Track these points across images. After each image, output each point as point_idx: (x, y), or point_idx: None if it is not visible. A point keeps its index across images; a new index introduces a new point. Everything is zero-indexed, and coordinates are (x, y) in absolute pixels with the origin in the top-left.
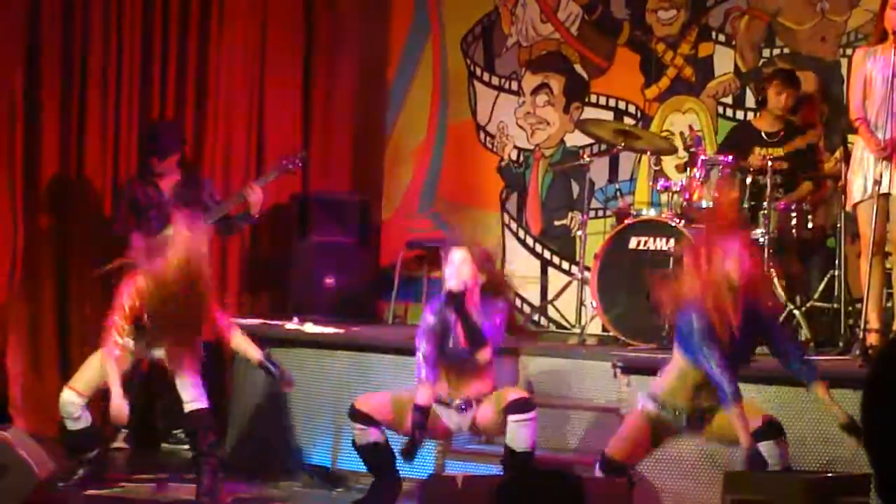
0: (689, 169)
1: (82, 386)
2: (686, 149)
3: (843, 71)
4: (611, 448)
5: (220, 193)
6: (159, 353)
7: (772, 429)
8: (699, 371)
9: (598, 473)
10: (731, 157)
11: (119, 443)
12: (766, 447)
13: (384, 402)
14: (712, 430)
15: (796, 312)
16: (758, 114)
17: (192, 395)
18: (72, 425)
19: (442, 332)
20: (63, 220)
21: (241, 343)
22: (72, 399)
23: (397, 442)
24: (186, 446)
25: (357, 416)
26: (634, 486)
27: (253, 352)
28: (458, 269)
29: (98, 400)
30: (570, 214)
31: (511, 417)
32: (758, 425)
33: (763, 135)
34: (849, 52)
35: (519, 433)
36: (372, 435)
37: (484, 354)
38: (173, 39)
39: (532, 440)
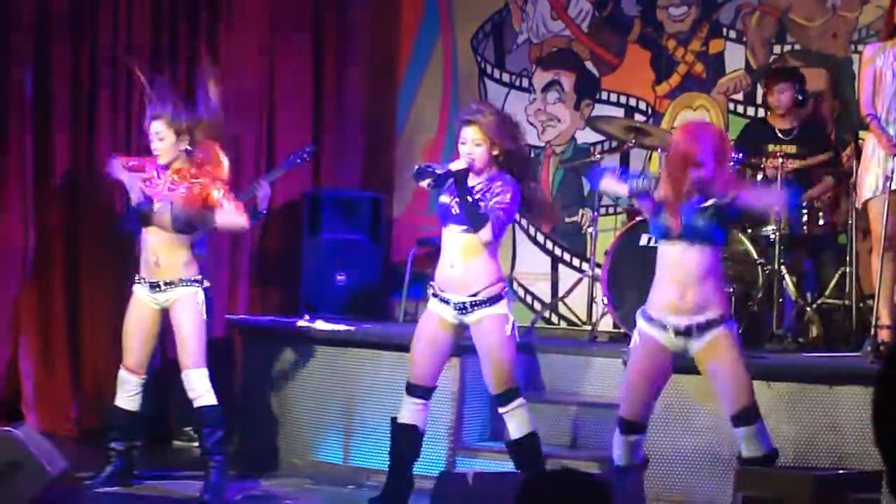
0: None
1: (133, 363)
2: None
3: (855, 67)
4: (623, 409)
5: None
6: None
7: (744, 416)
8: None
9: (617, 437)
10: (741, 154)
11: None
12: (740, 433)
13: (421, 357)
14: (702, 354)
15: (808, 309)
16: (768, 113)
17: (200, 390)
18: (123, 403)
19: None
20: (74, 218)
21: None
22: (126, 378)
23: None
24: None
25: (412, 388)
26: (648, 462)
27: (240, 221)
28: (467, 148)
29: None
30: (580, 211)
31: (499, 410)
32: (736, 409)
33: (777, 131)
34: (860, 48)
35: (511, 425)
36: (418, 418)
37: (484, 234)
38: (183, 37)
39: (526, 428)
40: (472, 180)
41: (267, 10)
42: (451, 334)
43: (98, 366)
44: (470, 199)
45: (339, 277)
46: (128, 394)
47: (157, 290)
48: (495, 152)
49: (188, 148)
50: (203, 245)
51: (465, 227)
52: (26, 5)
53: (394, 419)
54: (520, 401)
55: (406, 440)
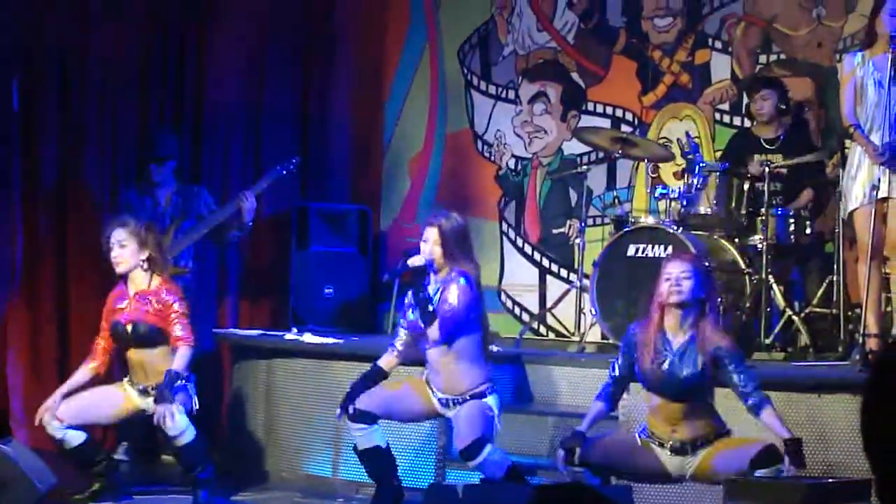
0: (686, 176)
1: (68, 416)
2: (683, 156)
3: (840, 76)
4: (593, 451)
5: (216, 204)
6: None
7: (769, 456)
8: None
9: (560, 460)
10: (726, 164)
11: (119, 455)
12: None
13: (379, 394)
14: (698, 466)
15: (795, 318)
16: (753, 122)
17: (176, 428)
18: (66, 446)
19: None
20: (62, 232)
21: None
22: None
23: (398, 449)
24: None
25: (357, 416)
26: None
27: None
28: (427, 246)
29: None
30: (568, 222)
31: (472, 464)
32: (756, 451)
33: (762, 141)
34: (845, 57)
35: (487, 473)
36: (374, 438)
37: (432, 332)
38: (171, 49)
39: (501, 468)
40: (433, 283)
41: (255, 22)
42: (426, 409)
43: None
44: (422, 296)
45: (327, 290)
46: (59, 437)
47: (146, 394)
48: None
49: (145, 259)
50: (189, 257)
51: (436, 341)
52: (14, 12)
53: (355, 447)
54: (489, 447)
55: (375, 461)
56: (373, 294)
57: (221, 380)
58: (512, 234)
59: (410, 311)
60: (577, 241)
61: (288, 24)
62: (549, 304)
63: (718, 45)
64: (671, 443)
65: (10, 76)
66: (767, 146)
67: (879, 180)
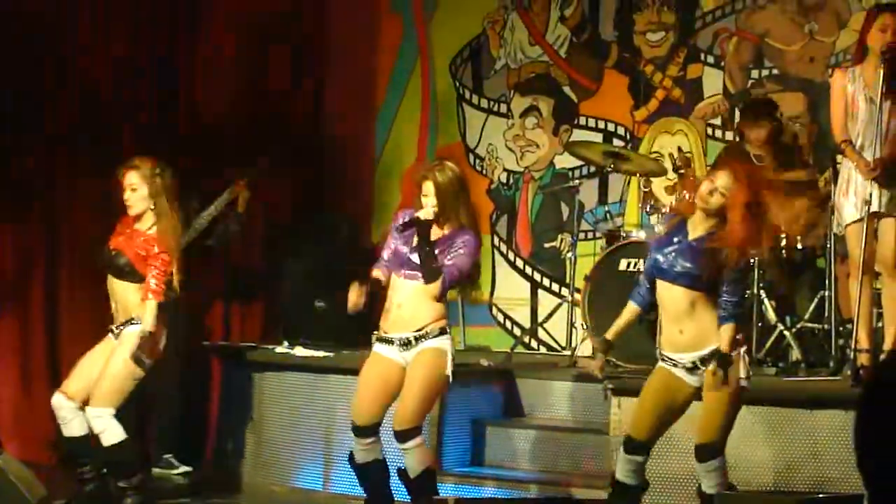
0: (678, 190)
1: (73, 389)
2: (675, 170)
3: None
4: (630, 426)
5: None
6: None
7: (701, 452)
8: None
9: (621, 454)
10: None
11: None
12: (699, 469)
13: (369, 396)
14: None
15: (787, 333)
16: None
17: (101, 426)
18: (65, 430)
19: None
20: (53, 243)
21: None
22: (60, 402)
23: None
24: (178, 470)
25: (362, 430)
26: (647, 486)
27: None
28: (429, 200)
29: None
30: (559, 237)
31: (398, 446)
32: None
33: (752, 156)
34: (836, 72)
35: (407, 461)
36: (376, 451)
37: (434, 288)
38: (161, 51)
39: (423, 464)
40: (436, 233)
41: (245, 35)
42: (397, 373)
43: None
44: (429, 251)
45: (318, 303)
46: (64, 421)
47: (114, 333)
48: (455, 207)
49: (154, 205)
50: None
51: (418, 278)
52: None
53: (351, 457)
54: (419, 439)
55: (370, 474)
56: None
57: (211, 393)
58: (503, 247)
59: (404, 245)
60: (569, 255)
61: (280, 37)
62: (540, 319)
63: (711, 59)
64: (681, 355)
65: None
66: (758, 161)
67: (871, 196)
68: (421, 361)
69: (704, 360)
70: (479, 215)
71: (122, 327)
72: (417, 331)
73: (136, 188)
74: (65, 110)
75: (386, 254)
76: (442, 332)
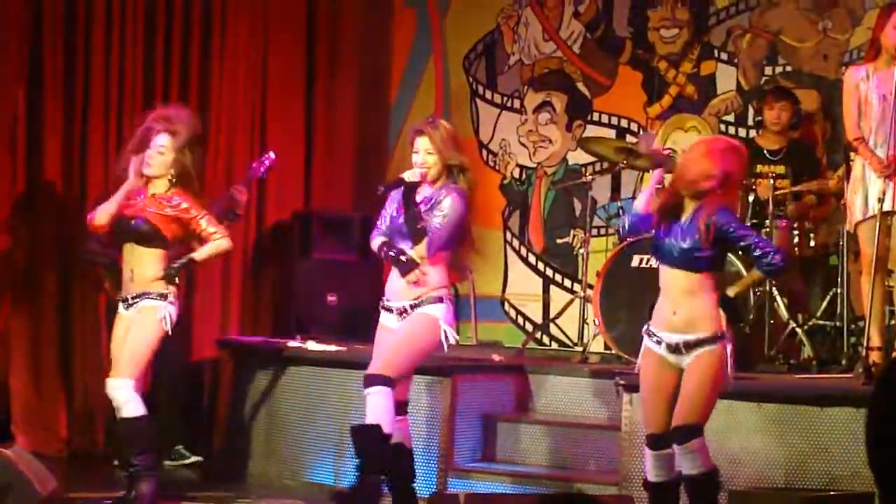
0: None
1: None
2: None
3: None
4: (644, 421)
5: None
6: None
7: (677, 434)
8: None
9: (647, 454)
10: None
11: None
12: (680, 452)
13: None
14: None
15: (799, 330)
16: (759, 131)
17: (123, 398)
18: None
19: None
20: (65, 236)
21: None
22: (114, 384)
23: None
24: (189, 460)
25: (372, 380)
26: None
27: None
28: (420, 157)
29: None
30: (572, 232)
31: (365, 391)
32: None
33: (766, 152)
34: (850, 70)
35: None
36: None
37: (420, 249)
38: (175, 59)
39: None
40: (423, 192)
41: (259, 30)
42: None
43: (89, 386)
44: (413, 211)
45: (330, 298)
46: (122, 402)
47: (128, 305)
48: (447, 163)
49: (174, 175)
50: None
51: (409, 242)
52: (18, 20)
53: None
54: (383, 388)
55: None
56: (376, 302)
57: (223, 388)
58: (516, 243)
59: (395, 210)
60: (582, 251)
61: (292, 32)
62: (552, 315)
63: (724, 56)
64: (669, 335)
65: (16, 84)
66: (770, 157)
67: (884, 193)
68: (410, 320)
69: (689, 345)
70: (473, 171)
71: (137, 299)
72: (415, 299)
73: (164, 152)
74: (77, 119)
75: (381, 223)
76: (437, 300)
